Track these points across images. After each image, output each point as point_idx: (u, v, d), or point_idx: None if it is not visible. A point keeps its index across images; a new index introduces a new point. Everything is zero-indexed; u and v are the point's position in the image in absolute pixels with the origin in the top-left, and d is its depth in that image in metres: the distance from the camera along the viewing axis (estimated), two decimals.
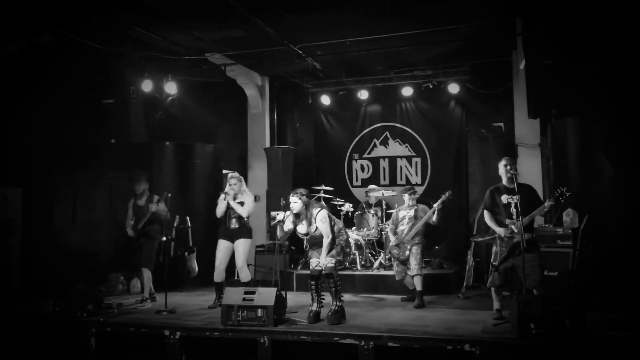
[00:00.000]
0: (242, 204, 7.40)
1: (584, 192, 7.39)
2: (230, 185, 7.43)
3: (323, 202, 6.86)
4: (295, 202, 6.37)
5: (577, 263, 7.16)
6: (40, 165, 10.00)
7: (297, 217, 6.43)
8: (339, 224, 6.65)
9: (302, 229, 6.47)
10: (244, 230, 7.44)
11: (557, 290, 6.80)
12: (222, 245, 7.46)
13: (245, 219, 7.43)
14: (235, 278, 8.11)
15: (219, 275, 7.47)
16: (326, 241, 6.31)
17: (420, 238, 7.66)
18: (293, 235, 6.86)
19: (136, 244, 7.92)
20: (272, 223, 6.64)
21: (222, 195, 7.41)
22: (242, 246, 7.40)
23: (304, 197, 6.39)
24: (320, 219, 6.31)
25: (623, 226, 7.15)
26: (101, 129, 10.66)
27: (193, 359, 6.10)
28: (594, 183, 7.54)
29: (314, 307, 6.41)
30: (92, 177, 10.07)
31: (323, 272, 6.40)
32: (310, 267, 6.52)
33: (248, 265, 7.67)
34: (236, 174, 7.61)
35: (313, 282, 6.46)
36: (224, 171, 7.65)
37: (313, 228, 6.38)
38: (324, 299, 6.51)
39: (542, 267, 6.14)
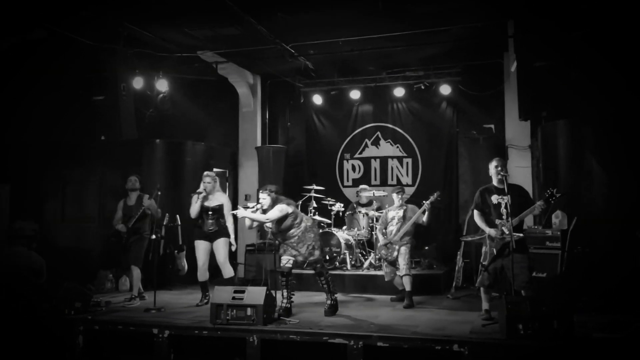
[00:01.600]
0: (221, 206, 7.44)
1: (574, 194, 7.43)
2: (204, 183, 7.45)
3: (291, 203, 6.96)
4: (265, 198, 6.72)
5: (566, 265, 7.20)
6: (29, 161, 9.94)
7: (265, 212, 6.72)
8: (308, 222, 6.90)
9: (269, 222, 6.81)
10: (222, 230, 7.45)
11: (545, 292, 6.84)
12: (201, 247, 7.49)
13: (222, 220, 7.46)
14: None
15: (202, 275, 7.52)
16: (261, 217, 6.66)
17: (409, 238, 7.68)
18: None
19: (126, 242, 7.89)
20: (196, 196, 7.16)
21: (195, 196, 7.40)
22: (221, 246, 7.45)
23: (273, 193, 6.74)
24: (279, 209, 6.65)
25: (612, 229, 7.19)
26: (91, 125, 10.58)
27: (181, 357, 6.09)
28: (584, 185, 7.59)
29: (283, 303, 6.68)
30: (81, 173, 10.01)
31: (314, 270, 6.86)
32: (281, 264, 6.79)
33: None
34: (212, 174, 7.64)
35: (283, 279, 6.76)
36: (205, 172, 7.66)
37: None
38: (293, 294, 6.86)
39: (531, 268, 6.17)
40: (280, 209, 6.66)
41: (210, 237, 7.45)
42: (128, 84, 9.67)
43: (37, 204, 9.96)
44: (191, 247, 7.66)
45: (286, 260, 6.73)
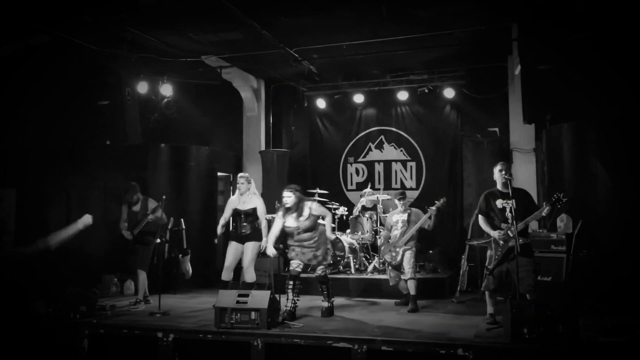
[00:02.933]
0: (255, 209, 7.37)
1: (578, 198, 7.42)
2: (238, 184, 7.44)
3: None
4: (289, 196, 6.73)
5: (571, 268, 7.18)
6: (35, 166, 9.96)
7: (288, 210, 6.75)
8: (323, 226, 7.00)
9: (291, 222, 6.80)
10: (255, 233, 7.41)
11: (550, 296, 6.82)
12: (233, 247, 7.48)
13: (257, 223, 7.41)
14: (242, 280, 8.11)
15: (227, 274, 7.45)
16: (328, 218, 6.91)
17: (414, 242, 7.65)
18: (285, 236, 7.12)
19: (132, 247, 7.90)
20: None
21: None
22: (250, 248, 7.40)
23: (298, 192, 6.76)
24: (316, 207, 6.83)
25: (617, 232, 7.18)
26: (96, 130, 10.63)
27: None
28: (588, 189, 7.58)
29: (287, 307, 6.68)
30: (86, 178, 10.03)
31: (318, 278, 6.89)
32: (290, 268, 6.82)
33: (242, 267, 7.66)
34: (246, 174, 7.60)
35: (291, 282, 6.76)
36: (239, 174, 7.63)
37: (302, 219, 6.73)
38: (298, 299, 6.83)
39: (536, 272, 6.17)
40: (317, 206, 6.86)
41: (244, 239, 7.42)
42: (133, 89, 9.71)
43: (42, 208, 9.99)
44: (207, 251, 7.60)
45: (296, 264, 6.77)
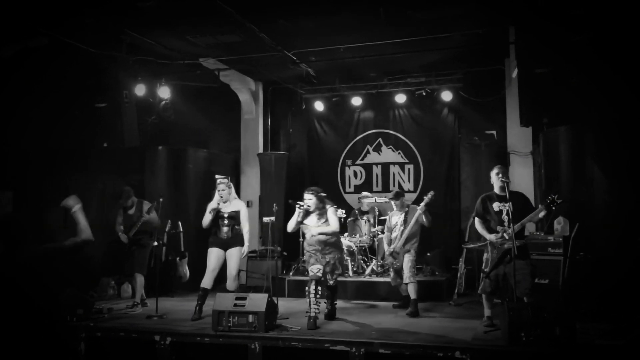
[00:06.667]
0: (237, 212, 7.12)
1: (575, 201, 7.43)
2: (218, 191, 7.11)
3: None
4: (310, 199, 6.75)
5: (568, 271, 7.18)
6: (32, 168, 9.95)
7: (307, 213, 6.76)
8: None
9: (311, 220, 6.80)
10: (236, 238, 7.13)
11: (547, 298, 6.82)
12: (215, 254, 7.11)
13: (238, 228, 7.14)
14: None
15: (208, 282, 7.07)
16: (331, 229, 6.72)
17: (415, 244, 7.58)
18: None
19: (128, 250, 7.90)
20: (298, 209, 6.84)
21: (210, 207, 7.08)
22: (235, 255, 7.09)
23: (319, 194, 6.81)
24: (332, 212, 6.83)
25: (614, 235, 7.18)
26: (94, 132, 10.61)
27: None
28: (585, 191, 7.59)
29: (312, 312, 6.42)
30: (84, 180, 10.02)
31: (330, 286, 6.85)
32: (311, 273, 6.67)
33: (240, 270, 7.63)
34: (225, 180, 7.32)
35: (313, 287, 6.52)
36: (216, 176, 7.48)
37: (322, 221, 6.75)
38: (320, 304, 6.57)
39: (533, 275, 6.18)
40: (333, 212, 6.83)
41: (225, 245, 7.11)
42: (130, 91, 9.71)
43: (39, 210, 9.97)
44: (204, 254, 7.39)
45: (317, 269, 6.61)
